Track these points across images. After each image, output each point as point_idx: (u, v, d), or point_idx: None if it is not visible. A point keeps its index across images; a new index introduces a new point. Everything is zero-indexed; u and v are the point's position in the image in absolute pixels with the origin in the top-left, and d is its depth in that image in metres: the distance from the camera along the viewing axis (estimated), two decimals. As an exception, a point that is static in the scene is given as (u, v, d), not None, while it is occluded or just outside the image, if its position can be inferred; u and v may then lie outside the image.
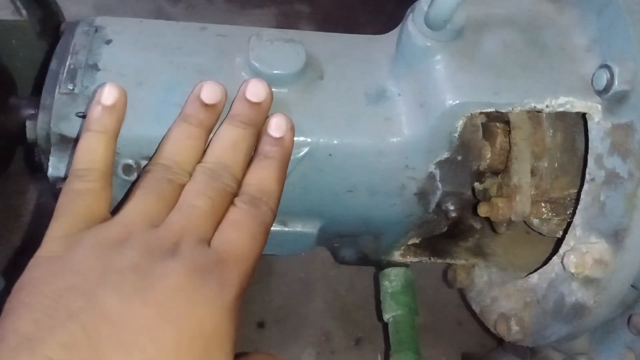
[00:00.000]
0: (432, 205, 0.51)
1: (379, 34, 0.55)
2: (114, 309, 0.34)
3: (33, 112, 0.48)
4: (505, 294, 0.58)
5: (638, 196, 0.44)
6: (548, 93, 0.48)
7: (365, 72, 0.52)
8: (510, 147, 0.53)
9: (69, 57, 0.48)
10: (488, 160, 0.53)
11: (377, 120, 0.50)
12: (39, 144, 0.47)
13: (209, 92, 0.45)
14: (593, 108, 0.47)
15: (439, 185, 0.50)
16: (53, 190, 0.46)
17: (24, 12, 0.61)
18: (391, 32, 0.54)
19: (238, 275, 0.38)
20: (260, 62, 0.48)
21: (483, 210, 0.54)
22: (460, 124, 0.48)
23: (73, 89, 0.47)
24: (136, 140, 0.46)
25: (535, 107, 0.48)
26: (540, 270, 0.53)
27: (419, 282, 0.64)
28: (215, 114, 0.45)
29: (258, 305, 0.87)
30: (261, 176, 0.43)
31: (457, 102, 0.47)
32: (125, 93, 0.45)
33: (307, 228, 0.55)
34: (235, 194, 0.42)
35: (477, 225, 0.61)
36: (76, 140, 0.47)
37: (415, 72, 0.50)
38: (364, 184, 0.51)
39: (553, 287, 0.51)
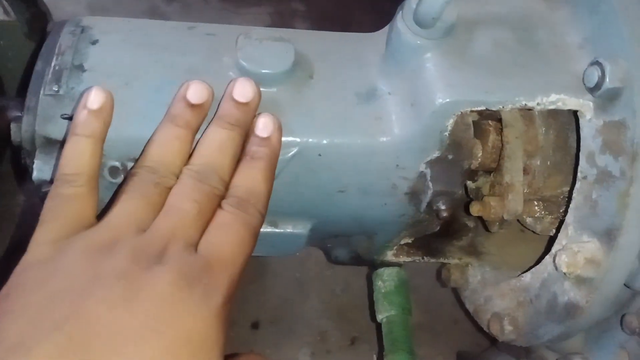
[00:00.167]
0: (424, 205, 0.51)
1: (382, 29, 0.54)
2: (100, 318, 0.34)
3: (18, 114, 0.47)
4: (498, 293, 0.58)
5: (630, 195, 0.43)
6: (539, 91, 0.47)
7: (355, 71, 0.51)
8: (502, 145, 0.53)
9: (55, 58, 0.48)
10: (480, 159, 0.52)
11: (368, 119, 0.49)
12: (24, 146, 0.47)
13: (195, 92, 0.44)
14: (585, 106, 0.47)
15: (430, 184, 0.49)
16: (38, 193, 0.45)
17: (11, 12, 0.61)
18: (382, 30, 0.53)
19: (225, 281, 0.38)
20: (249, 61, 0.48)
21: (475, 209, 0.54)
22: (450, 122, 0.47)
23: (58, 91, 0.46)
24: (123, 142, 0.46)
25: (526, 105, 0.47)
26: (533, 269, 0.53)
27: (415, 280, 0.64)
28: (202, 114, 0.44)
29: (252, 306, 0.86)
30: (249, 178, 0.43)
31: (448, 100, 0.46)
32: (111, 97, 0.44)
33: (298, 229, 0.54)
34: (223, 196, 0.42)
35: (471, 224, 0.61)
36: (62, 143, 0.46)
37: (405, 70, 0.49)
38: (354, 184, 0.50)
39: (546, 286, 0.51)
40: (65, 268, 0.36)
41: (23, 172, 0.49)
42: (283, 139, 0.47)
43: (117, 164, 0.47)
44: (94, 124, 0.43)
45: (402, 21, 0.48)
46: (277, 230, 0.54)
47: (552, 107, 0.47)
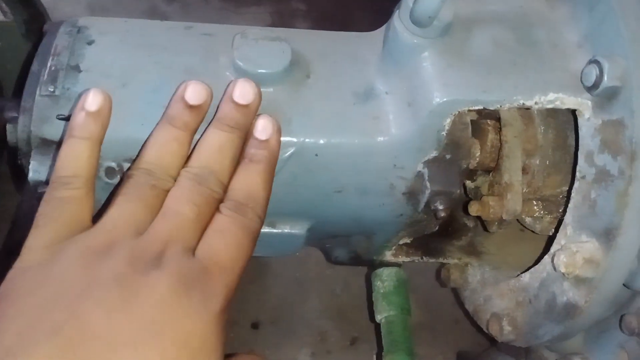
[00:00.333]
0: (422, 205, 0.51)
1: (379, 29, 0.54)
2: (98, 323, 0.34)
3: (14, 114, 0.47)
4: (498, 293, 0.58)
5: (629, 194, 0.43)
6: (537, 90, 0.47)
7: (352, 70, 0.51)
8: (501, 145, 0.52)
9: (51, 59, 0.48)
10: (478, 159, 0.52)
11: (365, 119, 0.49)
12: (20, 147, 0.47)
13: (194, 93, 0.43)
14: (583, 104, 0.46)
15: (428, 184, 0.49)
16: (34, 194, 0.45)
17: (9, 13, 0.61)
18: (379, 29, 0.53)
19: (223, 286, 0.37)
20: (245, 61, 0.47)
21: (474, 209, 0.53)
22: (448, 122, 0.47)
23: (54, 91, 0.46)
24: (120, 142, 0.46)
25: (524, 104, 0.47)
26: (532, 269, 0.53)
27: (415, 280, 0.63)
28: (200, 115, 0.44)
29: (253, 306, 0.86)
30: (247, 181, 0.42)
31: (445, 100, 0.46)
32: (110, 99, 0.43)
33: (296, 229, 0.54)
34: (221, 200, 0.41)
35: (470, 224, 0.61)
36: (58, 144, 0.46)
37: (402, 69, 0.49)
38: (352, 184, 0.50)
39: (545, 286, 0.50)
40: (61, 272, 0.36)
41: (20, 173, 0.49)
42: (280, 138, 0.47)
43: (113, 164, 0.47)
44: (91, 126, 0.42)
45: (399, 20, 0.48)
46: (275, 230, 0.54)
47: (550, 106, 0.47)
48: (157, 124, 0.44)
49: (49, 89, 0.46)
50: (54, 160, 0.43)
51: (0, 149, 0.57)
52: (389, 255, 0.61)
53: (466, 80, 0.47)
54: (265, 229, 0.53)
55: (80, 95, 0.44)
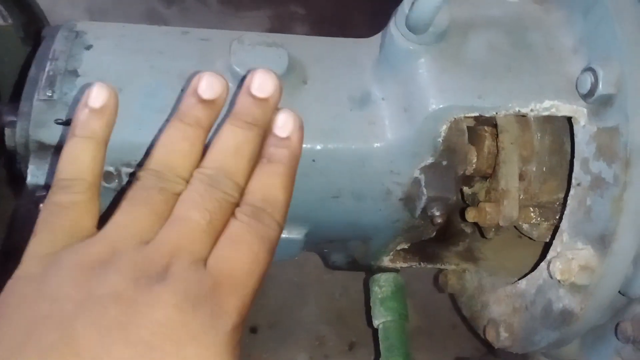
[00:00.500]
0: (418, 211, 0.51)
1: (374, 35, 0.54)
2: (90, 347, 0.31)
3: (12, 119, 0.47)
4: (495, 299, 0.58)
5: (624, 201, 0.43)
6: (533, 97, 0.47)
7: (349, 76, 0.51)
8: (498, 151, 0.52)
9: (48, 63, 0.48)
10: (475, 165, 0.52)
11: (361, 124, 0.49)
12: (18, 151, 0.47)
13: (208, 86, 0.39)
14: (578, 112, 0.47)
15: (424, 190, 0.49)
16: (33, 198, 0.45)
17: (7, 17, 0.61)
18: (376, 35, 0.53)
19: (236, 302, 0.33)
20: (242, 67, 0.48)
21: (471, 215, 0.54)
22: (444, 128, 0.47)
23: (52, 96, 0.47)
24: (117, 147, 0.45)
25: (519, 111, 0.47)
26: (529, 276, 0.53)
27: (413, 285, 0.63)
28: (215, 111, 0.39)
29: (251, 310, 0.86)
30: (265, 183, 0.38)
31: (441, 106, 0.46)
32: (116, 94, 0.39)
33: (293, 234, 0.54)
34: (237, 204, 0.37)
35: (468, 230, 0.61)
36: (56, 148, 0.46)
37: (399, 75, 0.49)
38: (349, 189, 0.50)
39: (541, 293, 0.50)
40: (55, 286, 0.33)
41: (17, 177, 0.49)
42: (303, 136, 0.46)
43: (111, 169, 0.47)
44: (95, 124, 0.38)
45: (395, 27, 0.48)
46: (272, 235, 0.54)
47: (545, 113, 0.47)
48: (169, 120, 0.39)
49: (47, 94, 0.46)
50: (52, 164, 0.43)
51: (-2, 152, 0.57)
52: (386, 261, 0.61)
53: (462, 87, 0.47)
54: (262, 234, 0.53)
55: (83, 91, 0.40)
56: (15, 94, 0.52)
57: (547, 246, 0.54)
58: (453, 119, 0.47)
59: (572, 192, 0.47)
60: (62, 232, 0.36)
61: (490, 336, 0.56)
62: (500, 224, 0.52)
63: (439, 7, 0.43)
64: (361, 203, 0.51)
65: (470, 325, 0.62)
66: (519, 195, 0.52)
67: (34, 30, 0.62)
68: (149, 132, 0.44)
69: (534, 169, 0.53)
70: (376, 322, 0.61)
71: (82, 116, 0.39)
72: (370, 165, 0.49)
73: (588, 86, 0.44)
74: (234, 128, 0.39)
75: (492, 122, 0.53)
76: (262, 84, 0.39)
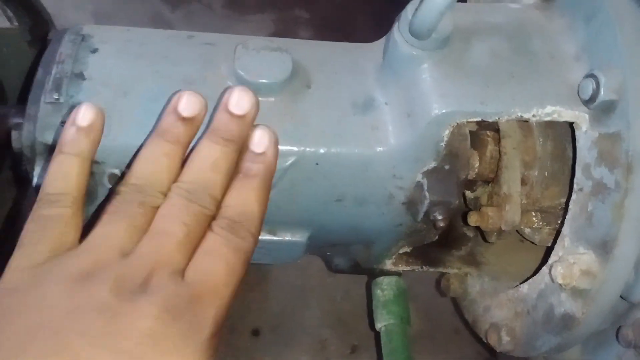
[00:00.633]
0: (421, 215, 0.51)
1: (378, 39, 0.55)
2: (80, 356, 0.32)
3: (19, 121, 0.48)
4: (497, 303, 0.58)
5: (625, 207, 0.43)
6: (535, 102, 0.47)
7: (352, 81, 0.51)
8: (500, 156, 0.53)
9: (55, 66, 0.48)
10: (477, 169, 0.52)
11: (364, 129, 0.49)
12: (25, 153, 0.47)
13: (187, 104, 0.41)
14: (580, 117, 0.47)
15: (427, 194, 0.49)
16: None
17: (14, 20, 0.62)
18: (379, 41, 0.53)
19: (213, 312, 0.35)
20: (246, 71, 0.48)
21: (473, 219, 0.54)
22: (446, 133, 0.48)
23: (58, 99, 0.47)
24: (122, 150, 0.46)
25: (522, 116, 0.47)
26: (530, 280, 0.53)
27: (415, 289, 0.63)
28: (194, 128, 0.41)
29: (253, 313, 0.87)
30: (241, 197, 0.40)
31: (444, 111, 0.47)
32: (102, 114, 0.41)
33: (296, 237, 0.54)
34: (214, 217, 0.39)
35: (470, 234, 0.61)
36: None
37: (402, 81, 0.49)
38: (352, 193, 0.51)
39: (543, 297, 0.51)
40: (42, 299, 0.34)
41: (24, 178, 0.50)
42: (281, 147, 0.47)
43: (116, 171, 0.47)
44: (82, 142, 0.40)
45: (398, 32, 0.48)
46: (275, 238, 0.54)
47: (547, 119, 0.47)
48: (149, 136, 0.41)
49: (54, 96, 0.47)
50: None
51: (3, 154, 0.58)
52: (389, 264, 0.61)
53: (464, 92, 0.47)
54: (266, 237, 0.54)
55: (73, 109, 0.42)
56: (22, 96, 0.53)
57: (548, 251, 0.55)
58: (455, 124, 0.47)
59: (573, 197, 0.48)
60: (48, 244, 0.37)
61: (492, 340, 0.56)
62: (503, 228, 0.53)
63: (442, 13, 0.44)
64: (364, 207, 0.51)
65: (473, 330, 0.62)
66: (521, 200, 0.53)
67: (41, 34, 0.63)
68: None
69: (536, 174, 0.53)
70: (378, 325, 0.61)
71: (69, 134, 0.40)
72: (373, 170, 0.49)
73: (590, 92, 0.45)
74: (212, 144, 0.40)
75: (494, 127, 0.53)
76: (239, 101, 0.41)
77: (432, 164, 0.49)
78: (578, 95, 0.47)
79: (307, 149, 0.48)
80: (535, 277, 0.52)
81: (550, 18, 0.52)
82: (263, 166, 0.41)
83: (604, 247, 0.45)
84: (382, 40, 0.52)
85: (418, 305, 0.82)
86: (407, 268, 0.62)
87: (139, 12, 1.16)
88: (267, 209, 0.41)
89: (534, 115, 0.47)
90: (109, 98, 0.47)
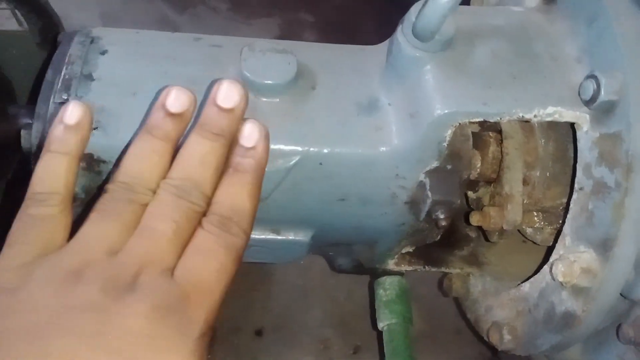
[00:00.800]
0: (423, 214, 0.52)
1: (382, 42, 0.55)
2: (67, 355, 0.31)
3: (29, 121, 0.48)
4: (499, 303, 0.58)
5: (625, 206, 0.44)
6: (536, 103, 0.48)
7: (356, 82, 0.52)
8: (502, 157, 0.53)
9: (65, 67, 0.49)
10: (479, 170, 0.53)
11: (368, 129, 0.50)
12: (34, 152, 0.48)
13: (176, 100, 0.40)
14: (581, 118, 0.47)
15: (429, 194, 0.50)
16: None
17: (24, 22, 0.62)
18: (383, 43, 0.54)
19: (203, 311, 0.35)
20: (252, 73, 0.49)
21: (475, 219, 0.54)
22: (449, 133, 0.48)
23: (67, 99, 0.48)
24: (129, 149, 0.47)
25: (523, 117, 0.48)
26: (532, 279, 0.53)
27: (417, 289, 0.64)
28: (183, 124, 0.40)
29: (256, 313, 0.87)
30: (232, 193, 0.39)
31: (446, 112, 0.47)
32: (90, 112, 0.41)
33: (300, 236, 0.55)
34: (204, 213, 0.38)
35: (473, 234, 0.62)
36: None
37: (405, 82, 0.50)
38: (355, 192, 0.51)
39: (544, 296, 0.51)
40: (30, 299, 0.34)
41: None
42: (285, 147, 0.48)
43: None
44: (70, 141, 0.40)
45: (402, 34, 0.49)
46: (279, 237, 0.55)
47: (549, 119, 0.48)
48: (137, 133, 0.41)
49: (63, 97, 0.48)
50: None
51: (13, 153, 0.58)
52: (391, 264, 0.62)
53: (467, 93, 0.48)
54: (269, 236, 0.54)
55: (61, 108, 0.42)
56: (32, 97, 0.54)
57: (550, 250, 0.55)
58: (458, 125, 0.48)
59: (574, 196, 0.48)
60: (36, 244, 0.36)
61: (494, 339, 0.57)
62: (504, 228, 0.53)
63: (445, 15, 0.45)
64: (367, 206, 0.52)
65: (474, 329, 0.63)
66: (523, 200, 0.53)
67: (50, 36, 0.64)
68: None
69: (538, 174, 0.54)
70: (381, 325, 0.62)
71: (57, 132, 0.40)
72: (376, 170, 0.50)
73: (590, 93, 0.45)
74: (200, 139, 0.39)
75: (496, 128, 0.54)
76: (227, 94, 0.40)
77: (435, 164, 0.50)
78: (579, 96, 0.47)
79: (311, 149, 0.49)
80: (536, 275, 0.53)
81: (552, 21, 0.53)
82: (253, 161, 0.40)
83: (604, 246, 0.45)
84: (386, 43, 0.53)
85: (420, 305, 0.83)
86: (410, 268, 0.62)
87: (146, 15, 1.17)
88: (258, 204, 0.40)
89: (535, 116, 0.48)
90: (117, 98, 0.48)
